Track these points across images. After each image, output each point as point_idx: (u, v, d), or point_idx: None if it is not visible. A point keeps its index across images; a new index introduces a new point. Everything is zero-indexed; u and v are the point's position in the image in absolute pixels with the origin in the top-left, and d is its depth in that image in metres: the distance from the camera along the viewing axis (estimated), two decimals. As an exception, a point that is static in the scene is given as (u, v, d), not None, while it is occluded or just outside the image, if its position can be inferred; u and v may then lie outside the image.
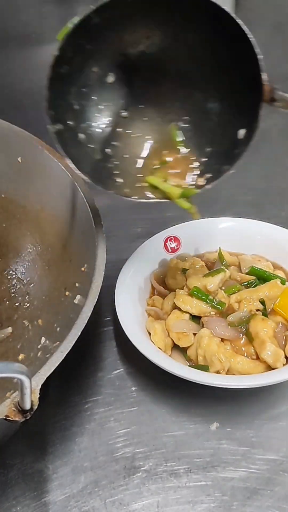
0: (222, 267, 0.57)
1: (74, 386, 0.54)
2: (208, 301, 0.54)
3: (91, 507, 0.46)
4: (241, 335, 0.53)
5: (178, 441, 0.50)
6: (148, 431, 0.50)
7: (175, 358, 0.54)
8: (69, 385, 0.54)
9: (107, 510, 0.46)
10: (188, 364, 0.53)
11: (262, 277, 0.57)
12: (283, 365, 0.51)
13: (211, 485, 0.47)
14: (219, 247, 0.60)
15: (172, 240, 0.61)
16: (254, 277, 0.57)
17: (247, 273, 0.58)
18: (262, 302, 0.54)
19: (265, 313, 0.54)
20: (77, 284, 0.52)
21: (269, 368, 0.51)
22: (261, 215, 0.70)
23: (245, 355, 0.52)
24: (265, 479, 0.47)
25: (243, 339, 0.52)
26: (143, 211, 0.72)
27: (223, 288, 0.56)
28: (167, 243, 0.61)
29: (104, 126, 0.50)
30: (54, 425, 0.51)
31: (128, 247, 0.65)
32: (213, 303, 0.54)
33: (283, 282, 0.56)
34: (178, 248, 0.61)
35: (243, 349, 0.52)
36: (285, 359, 0.51)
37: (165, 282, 0.59)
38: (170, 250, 0.61)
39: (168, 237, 0.61)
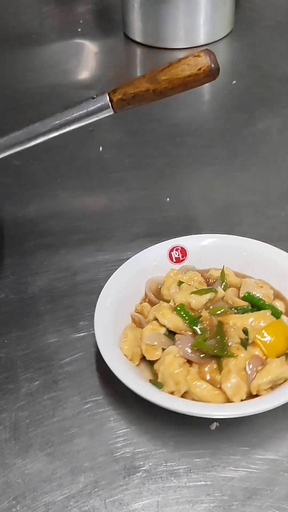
0: (217, 287, 0.55)
1: (74, 386, 0.54)
2: (191, 324, 0.51)
3: (91, 507, 0.46)
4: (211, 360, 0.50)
5: (178, 441, 0.50)
6: (148, 431, 0.50)
7: (142, 369, 0.52)
8: (69, 385, 0.54)
9: (107, 510, 0.46)
10: (151, 378, 0.51)
11: (256, 305, 0.54)
12: (241, 400, 0.48)
13: (211, 485, 0.47)
14: (223, 266, 0.58)
15: (178, 251, 0.59)
16: (247, 303, 0.54)
17: (242, 298, 0.55)
18: (245, 331, 0.51)
19: (245, 343, 0.51)
20: None
21: (228, 400, 0.48)
22: (260, 215, 0.71)
23: (209, 381, 0.49)
24: (265, 479, 0.47)
25: (211, 365, 0.50)
26: (143, 211, 0.72)
27: (211, 307, 0.54)
28: (172, 252, 0.59)
29: None
30: (53, 425, 0.51)
31: (128, 247, 0.65)
32: (195, 328, 0.51)
33: (276, 314, 0.53)
34: (184, 259, 0.60)
35: (208, 375, 0.49)
36: (245, 395, 0.49)
37: (160, 291, 0.57)
38: (174, 260, 0.59)
39: (174, 247, 0.59)
